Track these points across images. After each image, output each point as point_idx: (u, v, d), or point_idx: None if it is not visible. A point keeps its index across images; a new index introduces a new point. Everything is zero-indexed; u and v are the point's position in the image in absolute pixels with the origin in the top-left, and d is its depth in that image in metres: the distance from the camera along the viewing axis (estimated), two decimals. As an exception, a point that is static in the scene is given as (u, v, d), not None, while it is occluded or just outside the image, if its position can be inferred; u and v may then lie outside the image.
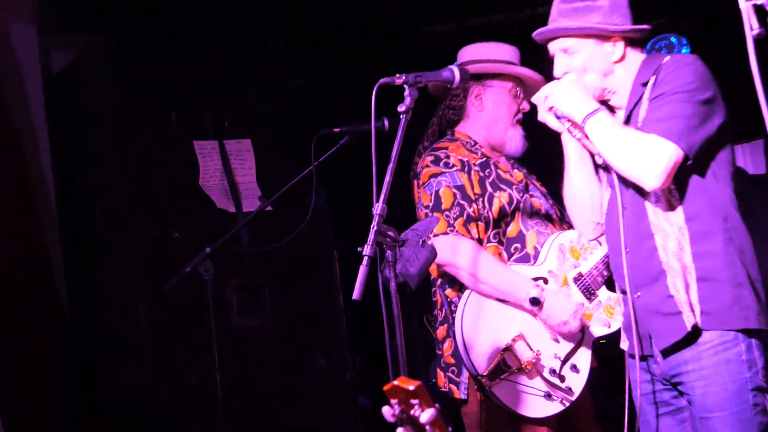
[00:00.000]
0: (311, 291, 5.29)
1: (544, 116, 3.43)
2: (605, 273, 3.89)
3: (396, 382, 2.20)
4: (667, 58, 3.32)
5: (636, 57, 3.40)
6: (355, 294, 2.98)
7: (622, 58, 3.37)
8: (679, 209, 3.26)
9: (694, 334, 3.20)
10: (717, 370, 3.18)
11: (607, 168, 3.40)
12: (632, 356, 3.42)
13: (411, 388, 2.17)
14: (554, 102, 3.35)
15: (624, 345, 3.50)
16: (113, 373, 5.09)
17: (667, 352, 3.27)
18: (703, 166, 3.24)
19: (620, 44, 3.36)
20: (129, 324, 5.02)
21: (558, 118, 3.36)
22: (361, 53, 5.87)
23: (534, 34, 3.47)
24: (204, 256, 4.16)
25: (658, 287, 3.26)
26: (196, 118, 5.14)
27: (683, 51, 5.51)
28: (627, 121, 3.35)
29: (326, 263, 5.40)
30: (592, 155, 3.44)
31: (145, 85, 5.09)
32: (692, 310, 3.20)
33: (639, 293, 3.32)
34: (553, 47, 3.43)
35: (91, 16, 5.26)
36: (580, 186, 3.53)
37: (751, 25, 2.33)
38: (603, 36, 3.35)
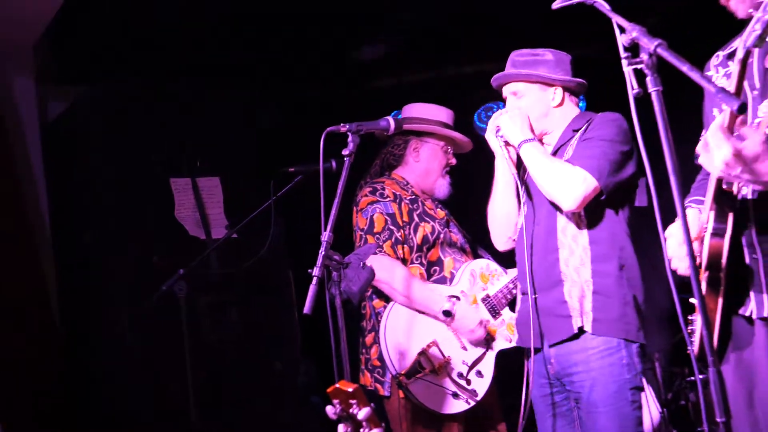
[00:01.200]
0: (270, 306, 5.28)
1: (489, 135, 3.51)
2: (509, 296, 3.95)
3: (337, 385, 2.22)
4: (600, 114, 3.42)
5: (572, 107, 3.52)
6: (306, 309, 3.01)
7: (561, 104, 3.48)
8: (585, 232, 3.33)
9: (579, 335, 3.28)
10: (602, 372, 3.25)
11: (528, 192, 3.49)
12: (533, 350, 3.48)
13: (350, 390, 2.19)
14: (500, 123, 3.45)
15: (514, 340, 3.60)
16: (100, 378, 5.03)
17: (556, 349, 3.34)
18: (611, 203, 3.33)
19: (560, 91, 3.47)
20: (114, 335, 4.96)
21: (498, 137, 3.45)
22: (315, 103, 5.90)
23: (492, 79, 3.57)
24: (178, 277, 4.16)
25: (555, 293, 3.34)
26: (173, 159, 5.15)
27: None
28: (553, 155, 3.42)
29: (283, 283, 5.39)
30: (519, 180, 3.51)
31: (129, 130, 5.07)
32: (581, 316, 3.28)
33: (536, 295, 3.40)
34: (506, 90, 3.55)
35: (83, 70, 5.25)
36: (501, 205, 3.57)
37: (632, 86, 2.40)
38: (546, 83, 3.47)
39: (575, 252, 3.32)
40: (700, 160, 2.46)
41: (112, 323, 4.92)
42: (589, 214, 3.34)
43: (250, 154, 5.40)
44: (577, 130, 3.42)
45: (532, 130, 3.44)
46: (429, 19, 5.41)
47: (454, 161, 4.21)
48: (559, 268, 3.33)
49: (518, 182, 3.48)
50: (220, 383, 4.91)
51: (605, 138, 3.31)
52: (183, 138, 5.18)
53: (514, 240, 3.60)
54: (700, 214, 2.68)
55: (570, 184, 3.23)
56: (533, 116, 3.46)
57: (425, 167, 4.18)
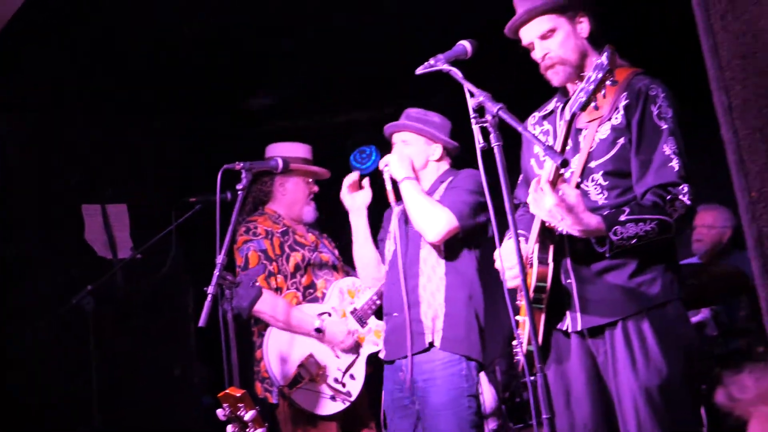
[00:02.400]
0: (169, 318, 5.17)
1: (382, 166, 3.63)
2: (374, 307, 3.97)
3: (227, 391, 2.22)
4: (463, 170, 3.59)
5: (445, 165, 3.68)
6: (201, 321, 3.02)
7: (438, 159, 3.64)
8: (443, 265, 3.46)
9: (429, 349, 3.39)
10: (444, 381, 3.36)
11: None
12: (386, 362, 3.58)
13: (238, 395, 2.20)
14: (389, 160, 3.58)
15: (381, 354, 3.66)
16: (14, 379, 4.78)
17: (407, 359, 3.42)
18: (467, 243, 3.48)
19: (440, 149, 3.63)
20: (28, 342, 4.71)
21: (385, 170, 3.59)
22: (212, 141, 5.83)
23: (387, 126, 3.71)
24: (87, 292, 4.07)
25: (413, 312, 3.44)
26: (85, 187, 5.02)
27: (373, 157, 5.76)
28: None
29: (181, 298, 5.27)
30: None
31: (47, 160, 4.92)
32: (432, 333, 3.39)
33: (396, 314, 3.49)
34: (396, 138, 3.68)
35: (5, 100, 5.03)
36: (364, 254, 3.75)
37: (478, 140, 2.50)
38: (431, 139, 3.62)
39: (432, 279, 3.45)
40: (531, 209, 2.59)
41: (25, 332, 4.70)
42: (448, 250, 3.47)
43: (155, 185, 5.30)
44: (444, 182, 3.60)
45: (415, 172, 3.58)
46: (314, 75, 5.47)
47: (316, 189, 4.21)
48: (418, 292, 3.45)
49: (395, 210, 3.62)
50: (123, 384, 4.76)
51: (467, 188, 3.48)
52: (96, 169, 5.05)
53: (380, 279, 3.74)
54: (525, 243, 2.80)
55: (436, 220, 3.39)
56: (415, 163, 3.62)
57: (291, 198, 4.14)
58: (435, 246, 3.47)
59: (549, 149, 2.32)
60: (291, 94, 5.79)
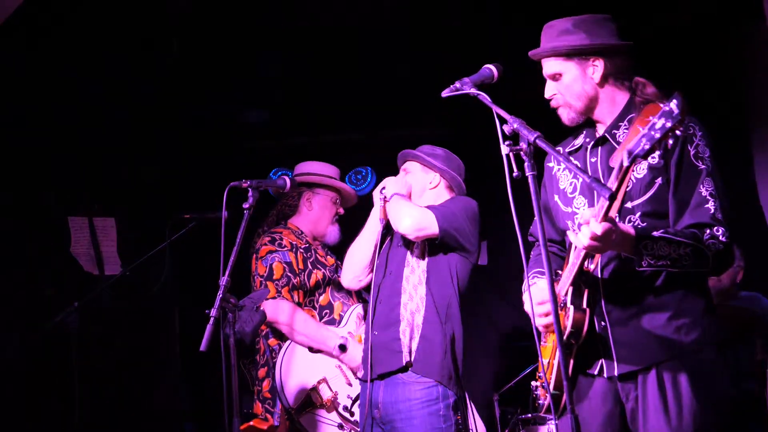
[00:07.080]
0: (155, 340, 4.98)
1: (375, 192, 3.52)
2: None
3: (252, 423, 2.08)
4: (458, 197, 3.53)
5: (444, 192, 3.57)
6: (202, 346, 2.86)
7: (435, 187, 3.57)
8: (425, 284, 3.33)
9: (407, 369, 3.25)
10: (422, 421, 3.20)
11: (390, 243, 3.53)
12: (363, 380, 3.41)
13: (265, 428, 2.05)
14: (386, 183, 3.49)
15: (360, 373, 3.49)
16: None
17: (384, 391, 3.28)
18: (449, 269, 3.35)
19: (437, 177, 3.56)
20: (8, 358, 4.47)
21: (380, 191, 3.48)
22: (208, 158, 5.67)
23: (399, 154, 3.64)
24: (72, 310, 3.87)
25: (392, 330, 3.31)
26: (72, 199, 4.81)
27: (368, 178, 5.72)
28: None
29: (169, 320, 5.08)
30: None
31: (36, 170, 4.69)
32: (409, 353, 3.26)
33: (377, 332, 3.36)
34: (402, 166, 3.63)
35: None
36: (361, 249, 3.55)
37: (512, 168, 2.37)
38: (427, 166, 3.57)
39: (414, 299, 3.32)
40: (572, 239, 2.47)
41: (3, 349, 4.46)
42: (430, 271, 3.35)
43: (149, 198, 5.10)
44: None
45: (410, 196, 3.49)
46: (310, 93, 5.35)
47: (342, 211, 4.14)
48: (398, 310, 3.32)
49: (382, 229, 3.47)
50: (105, 405, 4.52)
51: (456, 206, 3.39)
52: (85, 180, 4.84)
53: (360, 281, 3.58)
54: (556, 285, 2.67)
55: (413, 212, 3.30)
56: (414, 190, 3.55)
57: (317, 215, 4.07)
58: (417, 267, 3.34)
59: (596, 181, 2.21)
60: (282, 113, 5.68)
